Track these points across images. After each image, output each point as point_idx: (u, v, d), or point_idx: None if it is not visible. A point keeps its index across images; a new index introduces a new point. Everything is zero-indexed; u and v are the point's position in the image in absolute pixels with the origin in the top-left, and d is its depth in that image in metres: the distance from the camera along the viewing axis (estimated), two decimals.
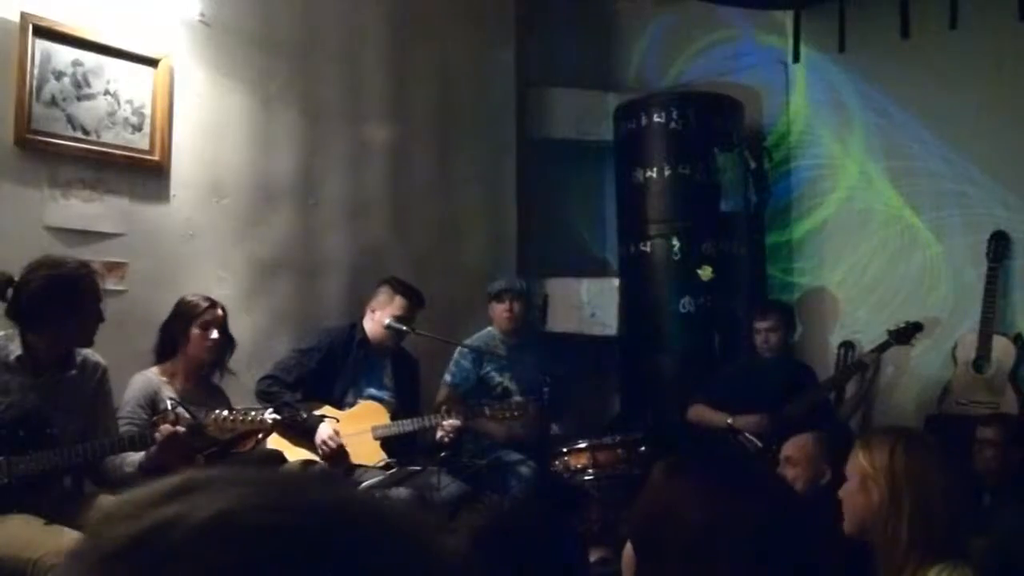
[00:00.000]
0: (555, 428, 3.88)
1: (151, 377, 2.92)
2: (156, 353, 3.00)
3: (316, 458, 3.23)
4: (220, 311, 3.04)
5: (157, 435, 2.47)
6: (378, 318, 3.57)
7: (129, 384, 2.86)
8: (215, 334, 2.98)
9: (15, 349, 2.43)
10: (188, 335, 2.96)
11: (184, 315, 2.98)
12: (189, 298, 3.03)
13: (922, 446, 1.70)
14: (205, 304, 3.01)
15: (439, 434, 3.41)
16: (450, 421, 3.40)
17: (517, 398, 3.84)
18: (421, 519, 0.49)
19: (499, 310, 4.00)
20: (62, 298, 2.42)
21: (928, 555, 1.57)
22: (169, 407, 2.66)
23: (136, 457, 2.55)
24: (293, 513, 0.44)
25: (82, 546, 0.44)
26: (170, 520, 0.42)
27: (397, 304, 3.55)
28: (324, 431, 3.27)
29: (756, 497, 1.14)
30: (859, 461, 1.69)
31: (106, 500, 2.53)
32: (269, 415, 2.62)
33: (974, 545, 1.72)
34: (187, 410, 2.59)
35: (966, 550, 1.62)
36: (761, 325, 3.87)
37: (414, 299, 3.59)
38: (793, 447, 2.63)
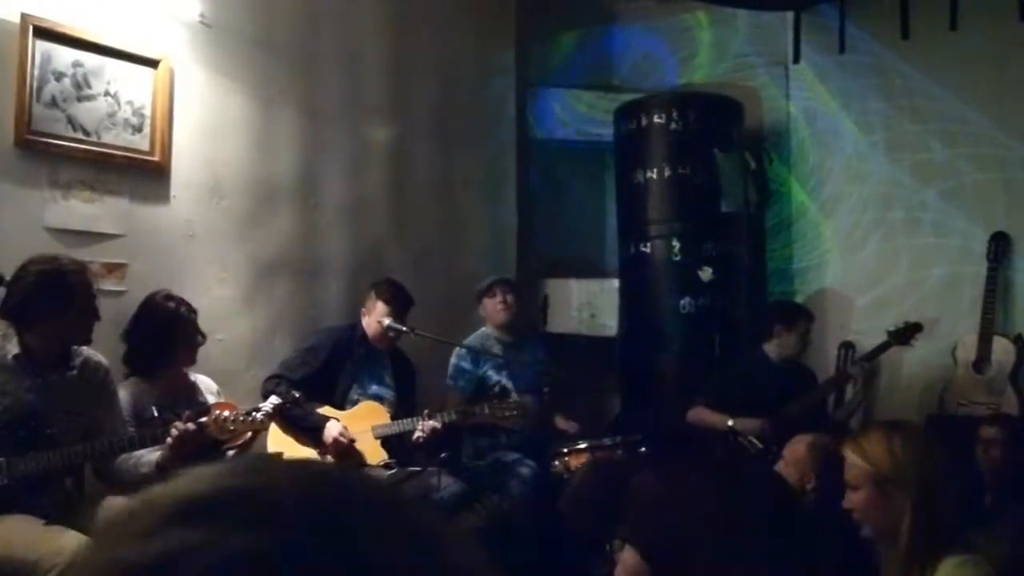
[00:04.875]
0: (562, 422, 3.86)
1: (131, 388, 2.86)
2: (130, 362, 2.90)
3: (317, 457, 3.23)
4: (193, 310, 2.98)
5: (171, 435, 2.47)
6: (368, 322, 3.60)
7: None
8: (192, 335, 2.94)
9: (12, 348, 2.43)
10: (182, 343, 2.90)
11: (175, 324, 2.89)
12: (165, 302, 2.91)
13: (916, 437, 1.69)
14: (183, 308, 2.92)
15: (416, 435, 3.39)
16: (428, 423, 3.39)
17: (514, 396, 3.84)
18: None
19: (492, 304, 3.99)
20: (52, 294, 2.41)
21: (937, 547, 1.56)
22: (155, 414, 2.65)
23: (152, 456, 2.54)
24: (341, 564, 0.38)
25: (92, 558, 0.41)
26: (176, 555, 0.38)
27: (380, 310, 3.55)
28: (334, 429, 3.27)
29: (755, 495, 1.15)
30: (861, 466, 1.64)
31: (115, 501, 2.52)
32: (270, 403, 2.61)
33: (986, 543, 1.71)
34: (175, 414, 2.59)
35: (969, 542, 1.62)
36: (809, 328, 3.86)
37: (396, 302, 3.57)
38: (788, 447, 2.65)
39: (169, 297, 2.95)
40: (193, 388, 3.03)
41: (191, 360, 2.98)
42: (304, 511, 0.40)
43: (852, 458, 1.68)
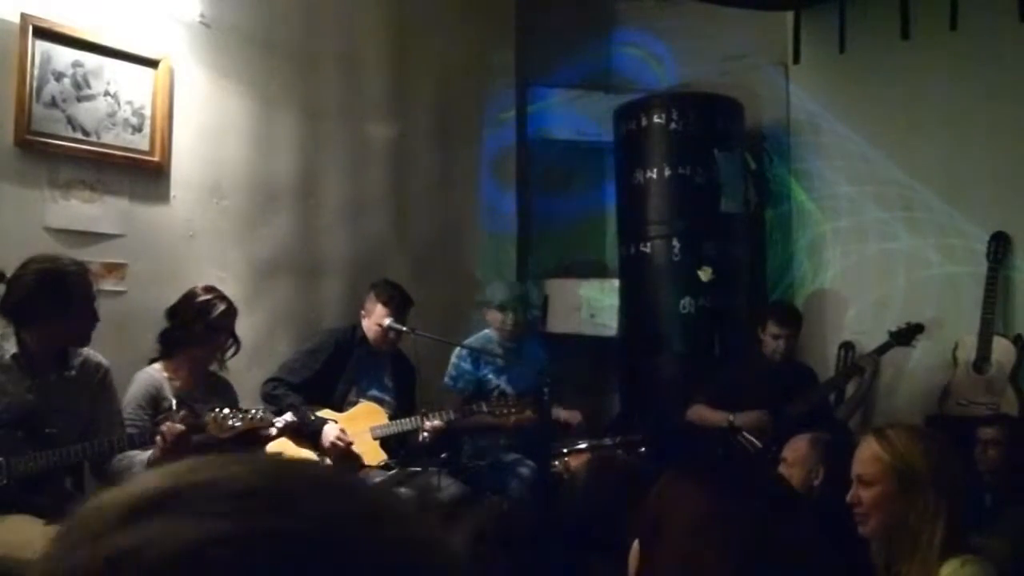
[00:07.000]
0: (564, 413, 3.84)
1: (153, 375, 2.86)
2: (161, 340, 2.91)
3: (316, 459, 3.23)
4: (233, 311, 2.95)
5: (159, 435, 2.46)
6: (368, 324, 3.58)
7: (132, 382, 2.81)
8: (223, 337, 2.92)
9: (10, 348, 2.43)
10: (198, 333, 2.87)
11: (197, 312, 2.87)
12: (204, 295, 2.91)
13: (946, 444, 1.67)
14: (222, 306, 2.91)
15: (421, 436, 3.37)
16: (431, 423, 3.37)
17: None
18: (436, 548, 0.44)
19: (497, 319, 3.93)
20: (52, 294, 2.41)
21: (946, 551, 1.56)
22: (174, 406, 2.65)
23: (144, 456, 2.53)
24: (277, 546, 0.38)
25: (43, 567, 0.40)
26: (129, 552, 0.37)
27: (379, 312, 3.53)
28: (332, 432, 3.27)
29: (751, 496, 1.15)
30: (887, 460, 1.61)
31: None
32: (279, 420, 2.60)
33: (985, 543, 1.71)
34: (190, 408, 2.57)
35: (969, 542, 1.62)
36: (782, 331, 3.79)
37: (395, 303, 3.55)
38: (788, 448, 2.64)
39: (210, 289, 2.96)
40: (221, 387, 2.99)
41: (212, 352, 2.94)
42: (250, 503, 0.40)
43: (877, 452, 1.63)
